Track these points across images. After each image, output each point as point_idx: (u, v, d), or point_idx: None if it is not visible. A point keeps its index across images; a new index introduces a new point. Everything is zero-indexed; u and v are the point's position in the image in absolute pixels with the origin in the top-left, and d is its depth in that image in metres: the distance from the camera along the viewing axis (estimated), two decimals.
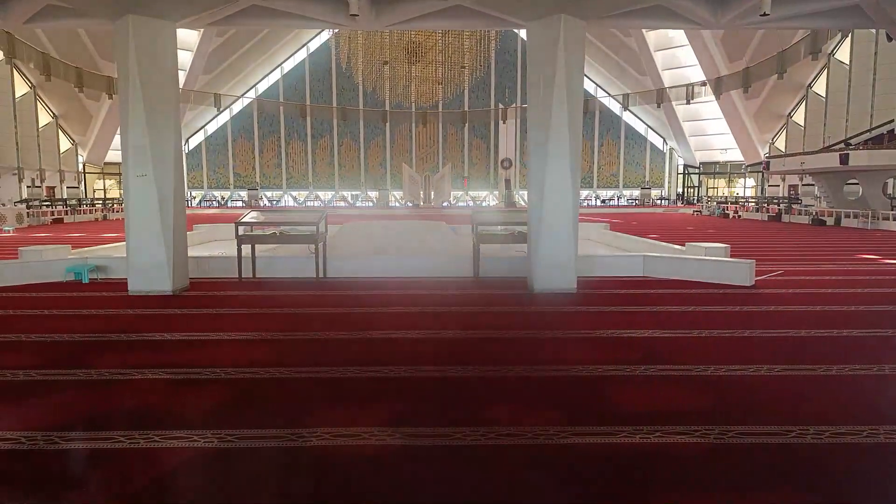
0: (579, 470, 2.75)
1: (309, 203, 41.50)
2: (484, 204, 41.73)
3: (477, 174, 43.87)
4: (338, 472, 2.72)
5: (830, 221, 22.97)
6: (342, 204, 40.53)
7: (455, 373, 4.11)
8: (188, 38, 32.78)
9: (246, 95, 41.22)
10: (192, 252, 9.66)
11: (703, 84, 30.80)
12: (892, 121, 23.71)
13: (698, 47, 32.79)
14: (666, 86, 34.67)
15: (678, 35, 33.25)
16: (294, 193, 43.01)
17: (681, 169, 43.75)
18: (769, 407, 3.51)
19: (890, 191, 24.37)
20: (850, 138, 26.28)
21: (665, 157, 44.28)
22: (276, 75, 42.13)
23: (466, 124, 42.37)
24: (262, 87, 42.21)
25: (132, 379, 3.99)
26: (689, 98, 30.98)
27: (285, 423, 3.22)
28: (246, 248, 8.33)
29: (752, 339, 5.04)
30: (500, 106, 39.91)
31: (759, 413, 3.39)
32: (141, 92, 6.86)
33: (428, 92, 31.22)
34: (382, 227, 11.48)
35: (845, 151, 21.60)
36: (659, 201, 42.37)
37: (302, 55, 42.10)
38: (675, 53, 35.00)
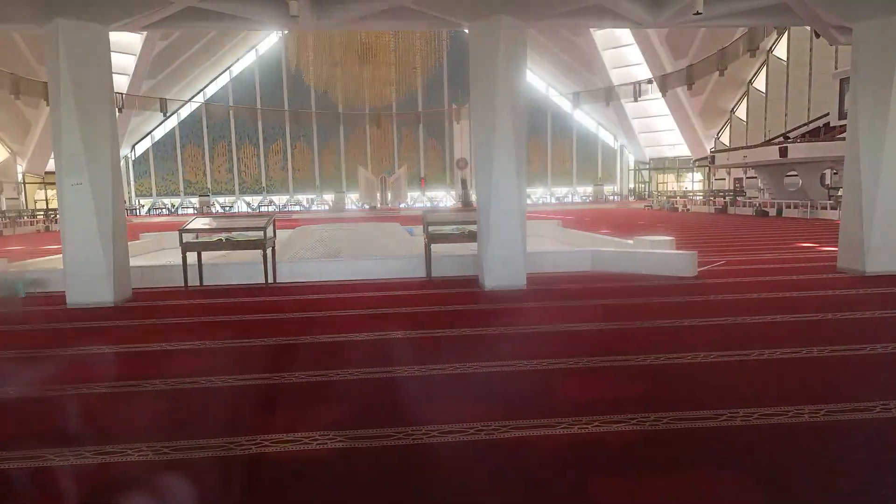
0: (519, 462, 2.78)
1: (263, 208, 40.76)
2: (441, 204, 41.80)
3: (433, 174, 43.89)
4: (274, 478, 2.68)
5: (773, 212, 23.91)
6: (297, 208, 39.93)
7: (403, 373, 4.11)
8: (131, 41, 31.71)
9: (194, 100, 40.20)
10: (138, 261, 9.41)
11: (650, 82, 31.62)
12: (828, 114, 24.85)
13: (644, 46, 33.64)
14: (614, 84, 35.43)
15: (624, 34, 34.04)
16: (247, 199, 42.16)
17: (632, 165, 44.80)
18: (703, 392, 3.63)
19: (827, 181, 25.52)
20: (789, 132, 27.43)
21: (616, 154, 45.27)
22: (224, 79, 41.20)
23: (421, 125, 42.35)
24: (211, 91, 41.20)
25: (64, 395, 3.84)
26: (637, 96, 31.75)
27: (225, 431, 3.16)
28: (193, 256, 8.13)
29: (690, 327, 5.21)
30: (454, 106, 40.06)
31: (692, 398, 3.50)
32: (73, 98, 6.61)
33: (381, 93, 31.07)
34: (335, 229, 11.38)
35: (784, 145, 22.53)
36: (612, 197, 43.31)
37: (251, 58, 41.28)
38: (623, 52, 35.80)
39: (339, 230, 11.17)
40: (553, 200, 43.17)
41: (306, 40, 28.95)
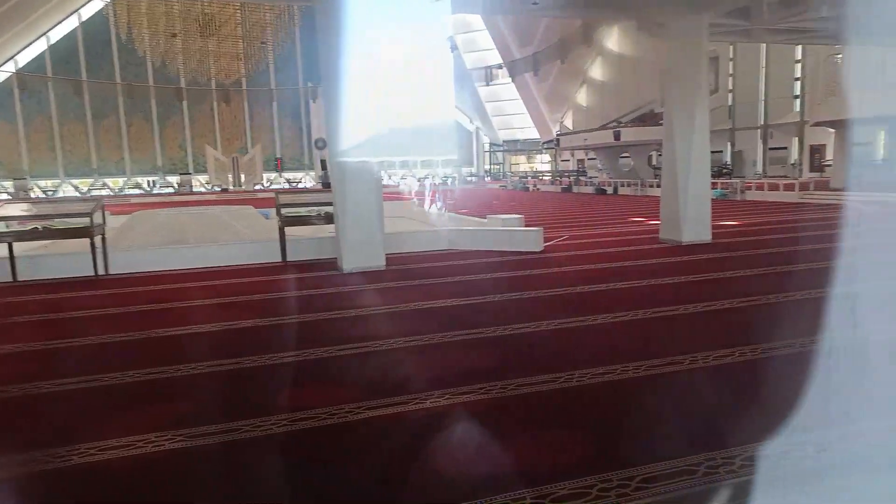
0: (371, 443, 2.80)
1: (96, 192, 36.61)
2: (301, 185, 40.45)
3: (291, 155, 42.24)
4: (102, 489, 2.45)
5: (610, 190, 26.18)
6: (137, 191, 36.42)
7: (252, 363, 3.94)
8: None
9: (2, 69, 34.76)
10: None
11: (500, 67, 32.90)
12: (652, 102, 27.60)
13: (494, 32, 34.88)
14: (468, 68, 36.39)
15: (475, 19, 34.99)
16: (75, 182, 37.58)
17: (487, 147, 46.53)
18: (547, 358, 3.90)
19: (654, 162, 28.43)
20: (622, 117, 30.09)
21: (472, 136, 46.70)
22: (40, 46, 36.04)
23: (275, 103, 40.43)
24: (23, 59, 35.88)
25: None
26: (489, 80, 32.92)
27: (41, 444, 2.82)
28: (4, 248, 7.10)
29: (536, 298, 5.57)
30: (310, 84, 38.75)
31: (537, 364, 3.75)
32: None
33: (227, 68, 29.06)
34: (179, 214, 10.55)
35: (618, 129, 24.70)
36: (470, 178, 44.73)
37: (73, 23, 36.52)
38: (474, 37, 36.83)
39: (185, 214, 10.38)
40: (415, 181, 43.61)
41: (138, 6, 26.14)
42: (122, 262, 7.73)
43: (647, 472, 2.36)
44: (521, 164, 46.10)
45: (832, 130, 20.99)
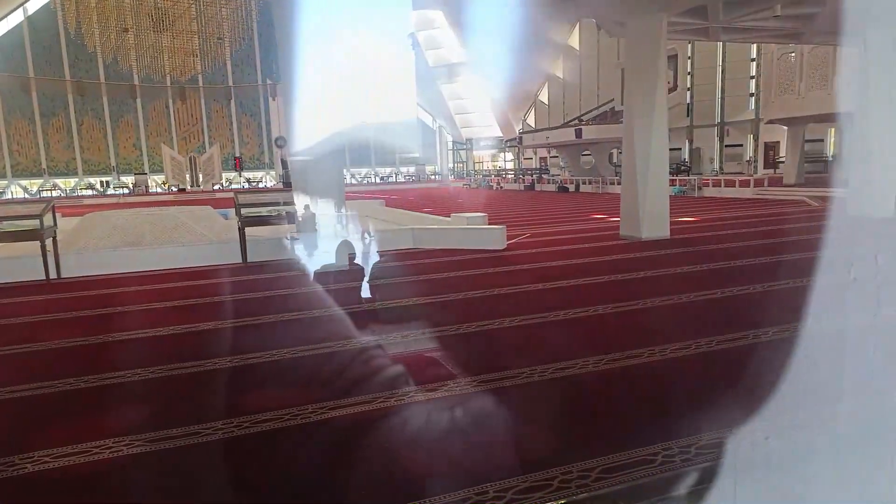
0: (333, 442, 2.79)
1: (45, 194, 35.23)
2: (261, 185, 39.79)
3: (250, 154, 41.47)
4: (58, 496, 2.38)
5: (572, 188, 26.53)
6: (90, 192, 35.21)
7: (211, 366, 3.87)
8: None
9: None
10: None
11: (463, 65, 32.99)
12: (613, 100, 28.09)
13: (456, 30, 34.93)
14: (430, 65, 36.37)
15: (438, 16, 35.00)
16: (23, 183, 36.10)
17: (450, 145, 46.60)
18: (509, 354, 3.95)
19: (615, 160, 28.96)
20: (583, 115, 30.55)
21: (435, 135, 46.70)
22: None
23: (233, 100, 39.61)
24: None
25: None
26: (451, 78, 32.97)
27: None
28: None
29: (498, 296, 5.62)
30: (269, 81, 38.11)
31: (499, 361, 3.79)
32: None
33: (182, 64, 28.32)
34: (135, 215, 10.24)
35: (579, 127, 25.06)
36: (433, 177, 44.75)
37: (18, 18, 35.03)
38: (435, 34, 36.82)
39: (140, 216, 10.07)
40: (378, 181, 43.37)
41: (87, 0, 25.22)
42: (75, 266, 7.48)
43: (606, 463, 2.42)
44: (485, 162, 46.33)
45: (785, 128, 21.73)
